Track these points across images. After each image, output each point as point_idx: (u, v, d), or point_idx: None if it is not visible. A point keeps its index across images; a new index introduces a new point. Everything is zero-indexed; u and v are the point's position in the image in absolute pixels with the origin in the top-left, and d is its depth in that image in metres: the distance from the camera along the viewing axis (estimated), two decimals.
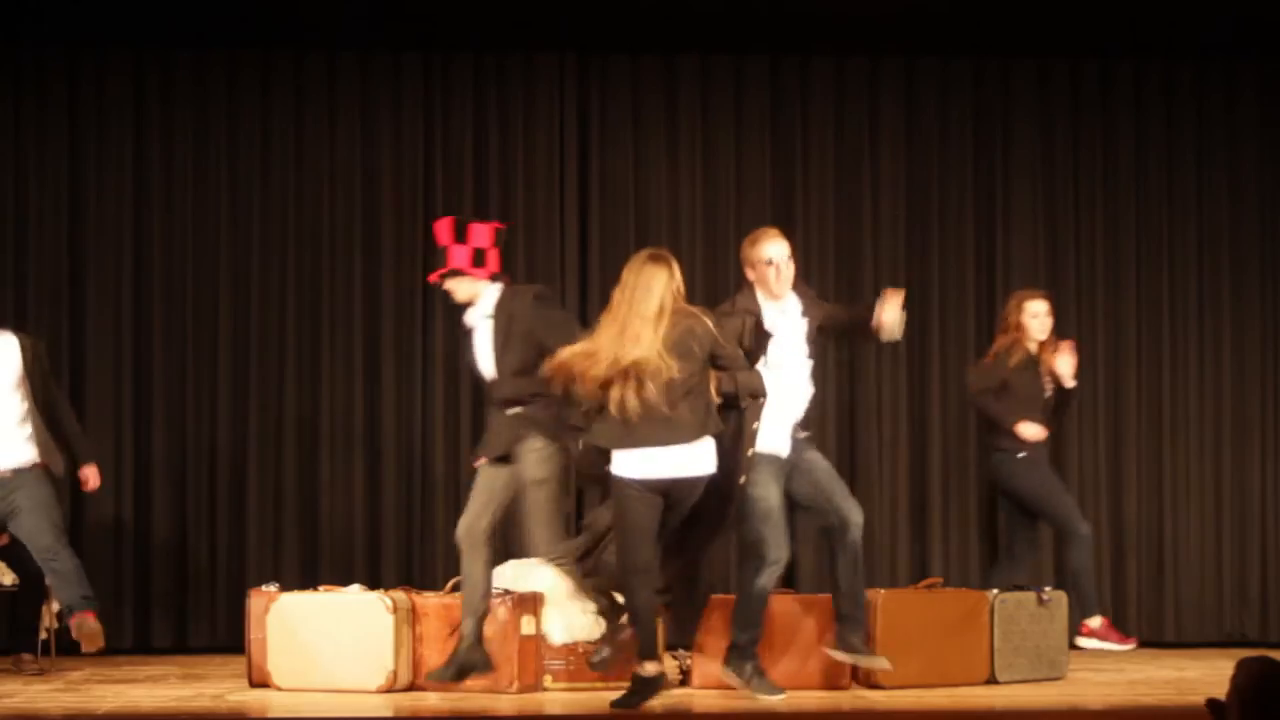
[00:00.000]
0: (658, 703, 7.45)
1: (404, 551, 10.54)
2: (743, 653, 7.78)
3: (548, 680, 8.12)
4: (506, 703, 7.81)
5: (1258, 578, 10.89)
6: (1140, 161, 11.02)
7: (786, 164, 10.90)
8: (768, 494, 7.69)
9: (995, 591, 8.61)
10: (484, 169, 10.79)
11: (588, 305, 10.75)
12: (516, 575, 8.35)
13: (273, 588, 8.44)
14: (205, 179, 10.65)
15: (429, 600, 8.24)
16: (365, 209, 10.70)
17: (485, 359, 7.89)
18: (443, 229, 7.98)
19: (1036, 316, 9.17)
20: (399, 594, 8.25)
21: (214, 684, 8.51)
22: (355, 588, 8.51)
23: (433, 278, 8.03)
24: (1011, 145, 10.98)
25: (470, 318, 7.97)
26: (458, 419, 10.63)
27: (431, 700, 7.92)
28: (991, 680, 8.34)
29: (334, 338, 10.61)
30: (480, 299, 7.92)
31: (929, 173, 10.95)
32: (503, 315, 7.82)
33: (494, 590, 8.07)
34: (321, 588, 8.56)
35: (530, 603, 8.09)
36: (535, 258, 10.74)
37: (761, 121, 10.90)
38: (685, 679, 8.31)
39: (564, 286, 10.73)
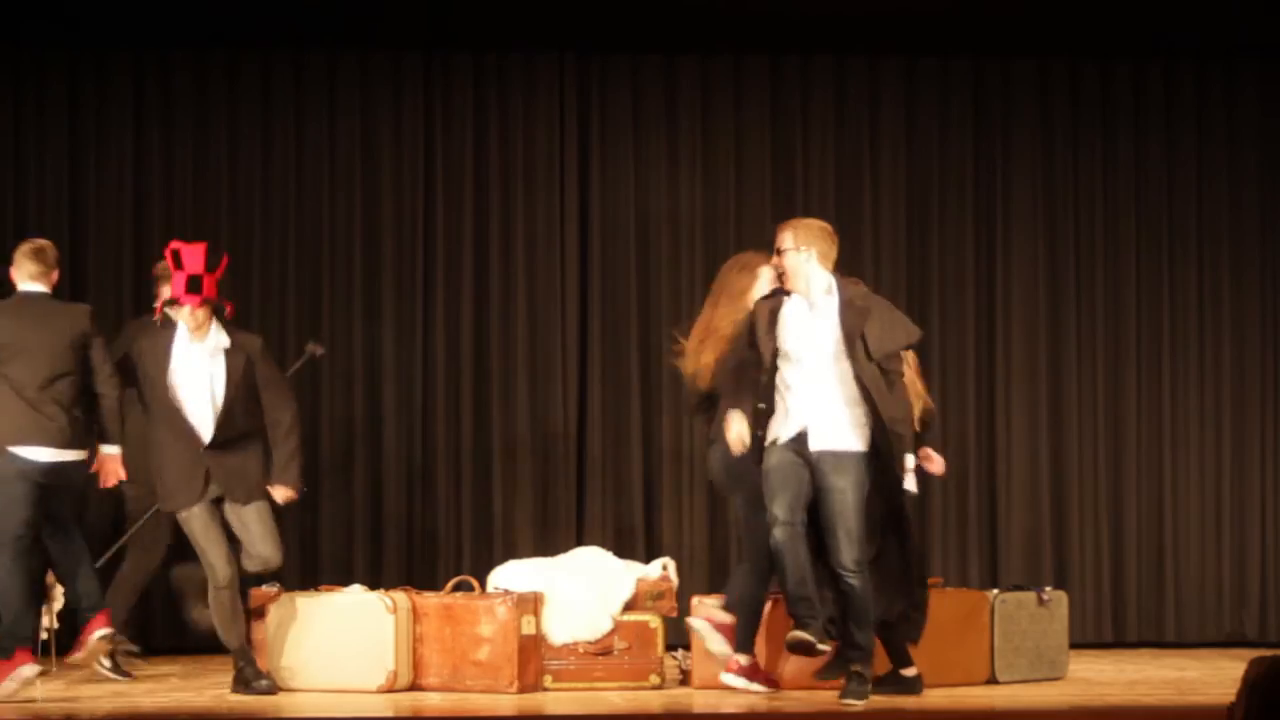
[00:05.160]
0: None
1: (404, 551, 10.55)
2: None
3: (548, 680, 8.12)
4: (506, 703, 7.81)
5: (1258, 578, 10.89)
6: (1140, 161, 11.02)
7: (786, 164, 10.90)
8: None
9: (995, 591, 8.62)
10: (484, 169, 10.79)
11: (588, 304, 10.76)
12: (517, 575, 8.37)
13: (273, 588, 8.44)
14: (205, 179, 10.66)
15: (429, 600, 8.24)
16: (365, 209, 10.71)
17: (215, 392, 7.90)
18: (196, 257, 7.89)
19: None
20: (399, 594, 8.25)
21: (214, 684, 8.51)
22: (355, 588, 8.51)
23: (196, 300, 7.87)
24: (1011, 145, 10.99)
25: (204, 347, 7.91)
26: (458, 419, 10.63)
27: (432, 700, 7.92)
28: (991, 680, 8.34)
29: (334, 337, 10.61)
30: (213, 330, 7.95)
31: (929, 173, 10.95)
32: (240, 354, 7.94)
33: (498, 589, 8.11)
34: (321, 588, 8.56)
35: (530, 603, 8.10)
36: (535, 258, 10.74)
37: (761, 121, 10.90)
38: (685, 679, 8.31)
39: (564, 286, 10.74)
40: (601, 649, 8.09)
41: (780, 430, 7.52)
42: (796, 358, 7.54)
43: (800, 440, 7.49)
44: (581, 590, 8.21)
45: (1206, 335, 11.00)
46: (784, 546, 7.40)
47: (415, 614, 8.18)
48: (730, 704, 7.66)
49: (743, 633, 7.86)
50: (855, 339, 7.49)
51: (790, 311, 7.60)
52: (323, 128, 10.71)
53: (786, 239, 7.65)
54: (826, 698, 7.69)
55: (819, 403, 7.51)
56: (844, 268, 10.79)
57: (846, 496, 7.44)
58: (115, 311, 10.46)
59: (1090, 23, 10.63)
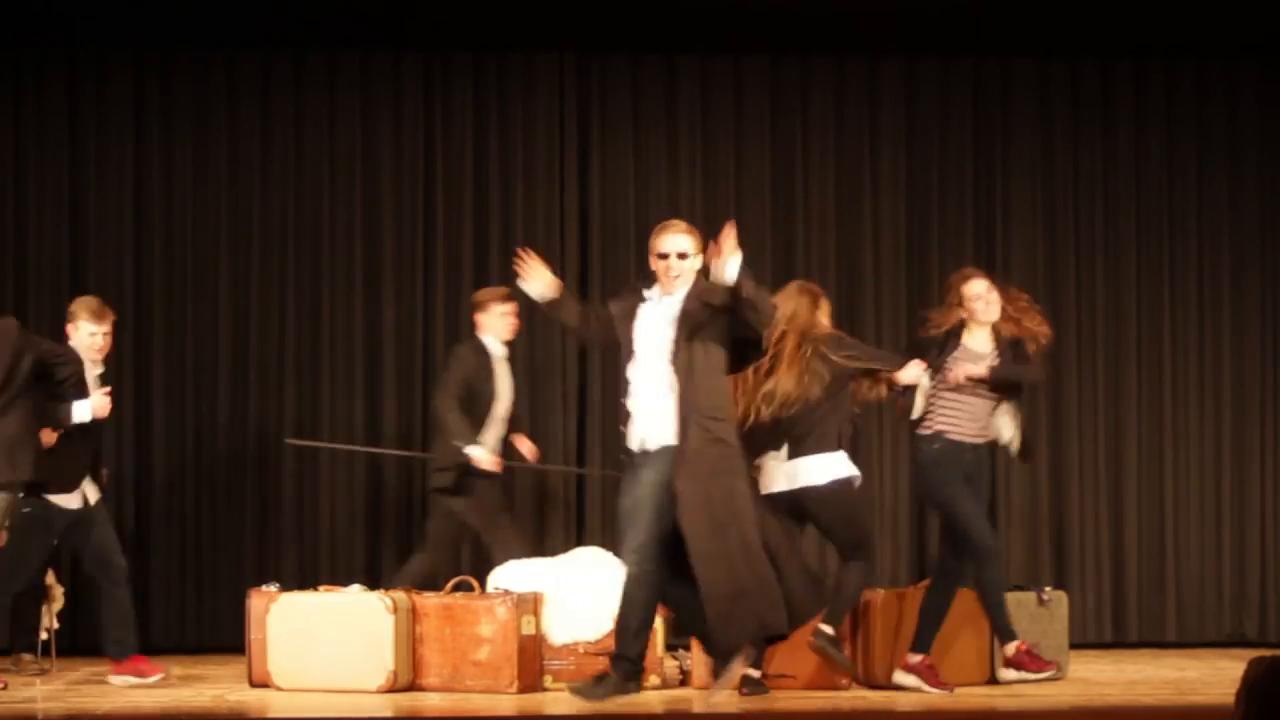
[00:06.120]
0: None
1: (404, 551, 10.54)
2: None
3: (548, 680, 8.12)
4: (506, 703, 7.81)
5: (1258, 578, 10.89)
6: (1140, 161, 11.02)
7: (786, 164, 10.90)
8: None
9: None
10: (484, 169, 10.79)
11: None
12: (517, 575, 8.37)
13: (273, 588, 8.45)
14: (205, 179, 10.66)
15: (429, 600, 8.24)
16: (365, 209, 10.71)
17: None
18: None
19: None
20: (399, 594, 8.26)
21: (214, 684, 8.52)
22: (355, 588, 8.51)
23: None
24: (1011, 145, 10.99)
25: None
26: None
27: (432, 700, 7.92)
28: (991, 680, 8.34)
29: (334, 337, 10.61)
30: None
31: (929, 173, 10.95)
32: None
33: (498, 589, 8.13)
34: (321, 588, 8.57)
35: (530, 603, 8.10)
36: None
37: (761, 121, 10.90)
38: (685, 679, 8.32)
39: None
40: (601, 649, 8.08)
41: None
42: (641, 358, 7.40)
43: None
44: (581, 590, 8.22)
45: (1206, 335, 11.00)
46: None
47: (415, 614, 8.18)
48: (730, 704, 7.66)
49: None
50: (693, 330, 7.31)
51: (647, 312, 7.45)
52: (323, 128, 10.71)
53: (691, 243, 7.41)
54: (827, 698, 7.69)
55: (653, 402, 7.35)
56: (844, 268, 10.87)
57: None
58: (114, 310, 10.46)
59: (1090, 23, 10.63)
